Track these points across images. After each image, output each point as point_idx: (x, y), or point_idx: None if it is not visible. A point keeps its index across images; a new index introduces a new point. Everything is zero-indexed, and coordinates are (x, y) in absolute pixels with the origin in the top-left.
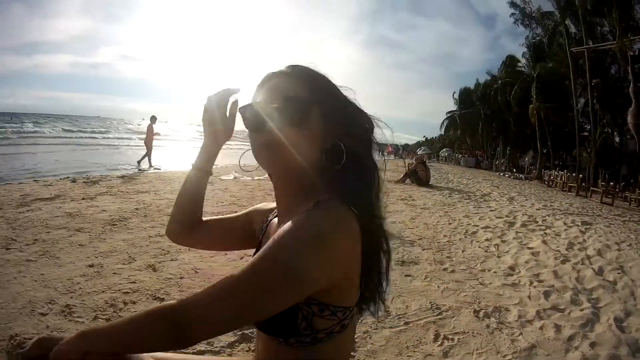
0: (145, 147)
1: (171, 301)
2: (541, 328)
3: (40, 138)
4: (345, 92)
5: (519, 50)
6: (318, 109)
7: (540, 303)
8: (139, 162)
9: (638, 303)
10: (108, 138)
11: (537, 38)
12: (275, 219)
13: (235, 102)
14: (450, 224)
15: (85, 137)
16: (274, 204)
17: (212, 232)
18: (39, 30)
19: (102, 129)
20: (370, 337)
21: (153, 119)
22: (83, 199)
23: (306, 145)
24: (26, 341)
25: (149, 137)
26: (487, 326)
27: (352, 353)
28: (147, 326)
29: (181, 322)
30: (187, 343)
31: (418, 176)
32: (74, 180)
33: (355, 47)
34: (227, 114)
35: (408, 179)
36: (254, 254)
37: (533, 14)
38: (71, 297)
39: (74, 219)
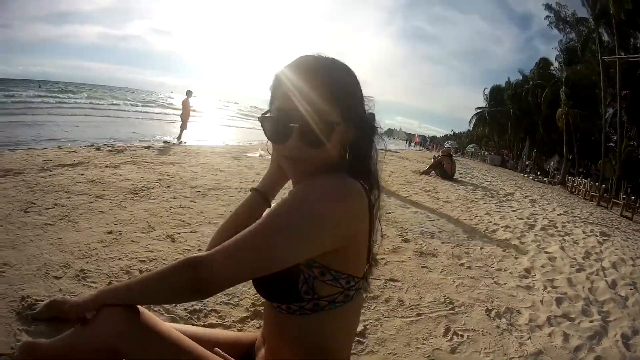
0: (181, 121)
1: (195, 254)
2: (550, 335)
3: (67, 107)
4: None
5: (551, 53)
6: (341, 124)
7: (551, 309)
8: (178, 138)
9: None
10: (137, 110)
11: (571, 43)
12: None
13: None
14: (471, 220)
15: (113, 108)
16: None
17: None
18: (68, 0)
19: (130, 100)
20: (381, 325)
21: (189, 93)
22: (106, 166)
23: (327, 154)
24: (37, 303)
25: (186, 111)
26: (498, 326)
27: (361, 339)
28: (173, 276)
29: (206, 269)
30: (206, 292)
31: (443, 169)
32: (98, 148)
33: (388, 38)
34: None
35: (433, 171)
36: None
37: (568, 19)
38: (87, 262)
39: (96, 186)
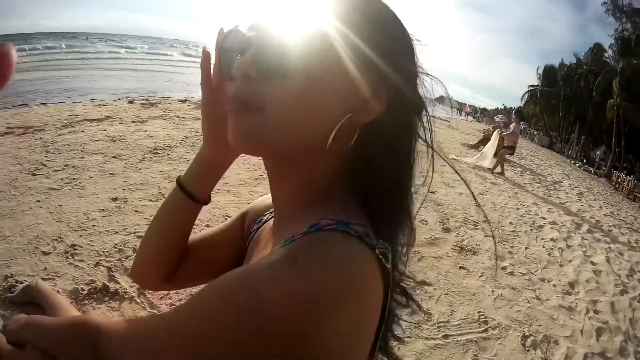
0: None
1: (102, 320)
2: None
3: (109, 59)
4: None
5: (606, 40)
6: (356, 51)
7: (590, 343)
8: None
9: None
10: (182, 60)
11: (626, 33)
12: (271, 222)
13: None
14: (518, 209)
15: (160, 59)
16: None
17: (200, 260)
18: None
19: (177, 51)
20: (399, 349)
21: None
22: (133, 121)
23: (316, 124)
24: (17, 285)
25: None
26: None
27: None
28: (67, 338)
29: (102, 351)
30: None
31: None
32: (131, 102)
33: (443, 4)
34: None
35: (482, 146)
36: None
37: (625, 8)
38: (80, 236)
39: (115, 144)
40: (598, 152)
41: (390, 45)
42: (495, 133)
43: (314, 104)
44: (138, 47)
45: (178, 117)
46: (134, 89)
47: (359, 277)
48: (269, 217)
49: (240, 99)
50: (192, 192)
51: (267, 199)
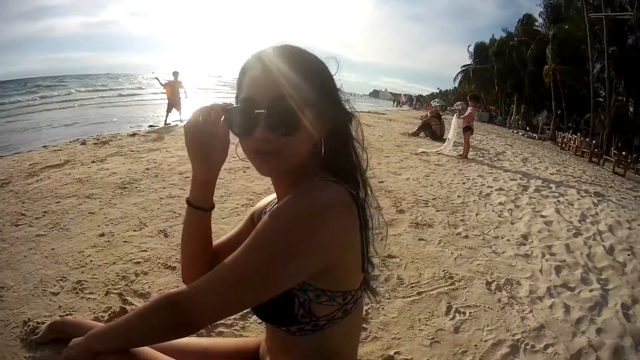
0: (170, 103)
1: (172, 290)
2: (551, 307)
3: (51, 103)
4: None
5: (535, 9)
6: (312, 107)
7: (551, 279)
8: (165, 121)
9: None
10: (120, 95)
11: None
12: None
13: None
14: (464, 183)
15: (96, 97)
16: (273, 195)
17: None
18: None
19: (112, 86)
20: (383, 308)
21: (176, 74)
22: (93, 162)
23: (300, 145)
24: (39, 326)
25: (174, 93)
26: (499, 300)
27: (364, 325)
28: (153, 317)
29: (186, 309)
30: (191, 330)
31: (432, 130)
32: (84, 143)
33: (368, 1)
34: (221, 133)
35: (422, 132)
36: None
37: None
38: (82, 272)
39: (84, 185)
40: (540, 118)
41: (320, 91)
42: (454, 119)
43: (301, 141)
44: (73, 87)
45: (132, 151)
46: (79, 130)
47: (340, 196)
48: (272, 207)
49: (265, 151)
50: (199, 206)
51: (267, 199)
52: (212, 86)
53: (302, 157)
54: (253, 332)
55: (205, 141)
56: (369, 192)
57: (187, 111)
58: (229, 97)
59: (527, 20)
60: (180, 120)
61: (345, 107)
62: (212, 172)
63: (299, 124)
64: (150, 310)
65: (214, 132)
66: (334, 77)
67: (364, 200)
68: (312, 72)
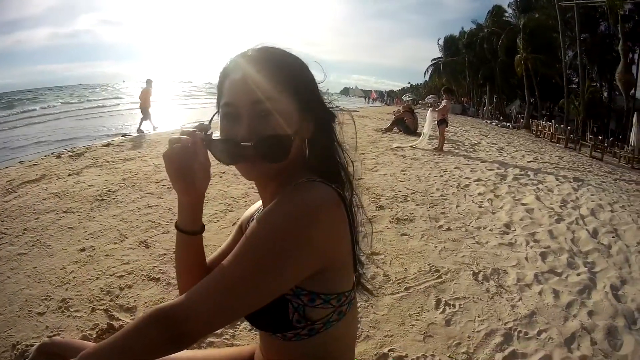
0: (142, 112)
1: (163, 303)
2: (540, 293)
3: (24, 117)
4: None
5: (505, 0)
6: (294, 110)
7: (537, 265)
8: (138, 129)
9: (633, 271)
10: (92, 105)
11: None
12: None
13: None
14: (442, 176)
15: (69, 109)
16: (259, 203)
17: None
18: (16, 6)
19: (85, 97)
20: (372, 306)
21: (149, 82)
22: (69, 175)
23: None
24: (28, 348)
25: (145, 101)
26: (487, 290)
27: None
28: (145, 332)
29: (179, 320)
30: (186, 343)
31: (406, 124)
32: (59, 156)
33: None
34: (201, 159)
35: (395, 128)
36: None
37: None
38: (66, 290)
39: (62, 200)
40: (513, 107)
41: (301, 92)
42: (429, 112)
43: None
44: (47, 101)
45: (108, 162)
46: (55, 142)
47: (328, 196)
48: (259, 214)
49: (251, 156)
50: (187, 230)
51: (253, 207)
52: (186, 91)
53: (288, 161)
54: (244, 339)
55: (186, 169)
56: (354, 190)
57: (156, 118)
58: (206, 102)
59: (496, 12)
60: (153, 127)
61: (327, 107)
62: (196, 197)
63: (289, 148)
64: (142, 325)
65: (194, 159)
66: (314, 77)
67: (350, 200)
68: (292, 73)
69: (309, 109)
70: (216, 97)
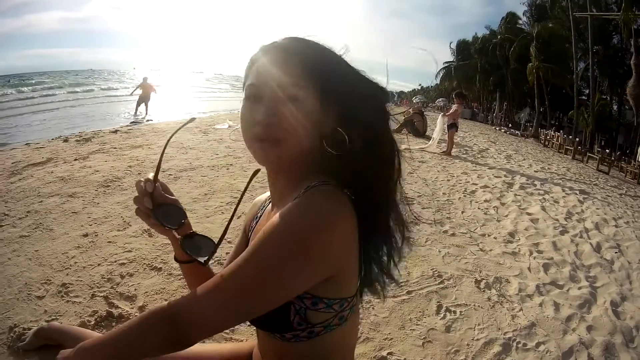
0: (140, 98)
1: (168, 301)
2: (540, 305)
3: (35, 99)
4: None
5: (519, 8)
6: (314, 92)
7: (539, 277)
8: (143, 116)
9: (634, 288)
10: (102, 91)
11: None
12: (269, 207)
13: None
14: (448, 180)
15: (79, 92)
16: (266, 194)
17: None
18: None
19: (95, 83)
20: (373, 308)
21: (145, 79)
22: (75, 159)
23: (304, 134)
24: (25, 332)
25: (145, 93)
26: (489, 299)
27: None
28: (147, 330)
29: (181, 322)
30: (187, 343)
31: (415, 127)
32: (66, 140)
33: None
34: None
35: (404, 129)
36: (247, 244)
37: None
38: (67, 274)
39: (67, 184)
40: (522, 115)
41: (327, 84)
42: (440, 118)
43: (305, 129)
44: (55, 85)
45: (115, 148)
46: (62, 127)
47: (341, 206)
48: (261, 214)
49: (267, 137)
50: (185, 260)
51: (254, 206)
52: (198, 82)
53: (304, 151)
54: (243, 334)
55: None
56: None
57: (158, 107)
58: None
59: (510, 19)
60: (147, 114)
61: (371, 84)
62: (172, 235)
63: (294, 130)
64: (145, 324)
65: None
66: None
67: (367, 204)
68: (320, 66)
69: (334, 103)
70: (242, 81)
